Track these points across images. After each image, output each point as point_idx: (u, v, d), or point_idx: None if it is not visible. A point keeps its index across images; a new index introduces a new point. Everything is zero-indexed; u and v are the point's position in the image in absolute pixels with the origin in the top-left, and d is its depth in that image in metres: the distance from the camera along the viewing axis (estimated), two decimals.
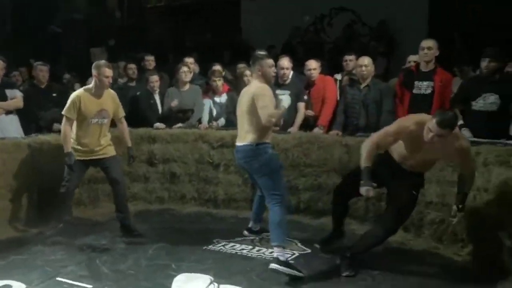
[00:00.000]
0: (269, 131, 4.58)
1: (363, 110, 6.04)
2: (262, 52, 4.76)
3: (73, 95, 5.16)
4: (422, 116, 4.25)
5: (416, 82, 5.72)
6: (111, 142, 5.37)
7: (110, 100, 5.27)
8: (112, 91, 5.37)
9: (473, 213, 4.61)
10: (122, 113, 5.42)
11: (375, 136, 4.40)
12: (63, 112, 5.13)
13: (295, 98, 5.97)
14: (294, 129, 6.25)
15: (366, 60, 6.06)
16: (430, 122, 4.05)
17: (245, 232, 5.37)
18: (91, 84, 5.24)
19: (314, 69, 6.44)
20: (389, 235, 4.46)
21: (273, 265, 4.27)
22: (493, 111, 5.25)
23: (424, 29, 9.07)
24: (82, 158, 5.22)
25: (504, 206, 4.35)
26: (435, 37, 5.86)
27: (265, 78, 4.60)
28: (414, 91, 5.72)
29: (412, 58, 6.43)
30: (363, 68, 6.03)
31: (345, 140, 5.86)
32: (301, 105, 6.32)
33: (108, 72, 5.11)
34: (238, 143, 4.66)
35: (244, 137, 4.56)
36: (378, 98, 5.97)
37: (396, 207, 4.36)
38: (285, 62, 6.28)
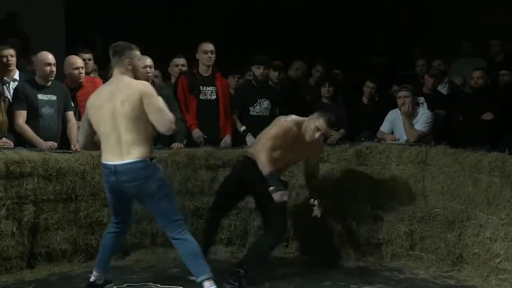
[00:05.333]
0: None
1: None
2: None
3: None
4: (297, 117, 4.47)
5: (201, 88, 5.59)
6: None
7: None
8: None
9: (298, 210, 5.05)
10: None
11: (266, 142, 4.30)
12: None
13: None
14: None
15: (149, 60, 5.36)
16: (316, 121, 4.33)
17: None
18: None
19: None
20: (280, 241, 4.55)
21: None
22: (266, 116, 5.58)
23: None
24: None
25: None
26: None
27: (135, 73, 3.85)
28: (201, 96, 5.60)
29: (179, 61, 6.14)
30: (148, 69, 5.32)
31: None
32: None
33: None
34: (116, 160, 3.69)
35: (128, 151, 3.67)
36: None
37: (281, 211, 4.31)
38: None
